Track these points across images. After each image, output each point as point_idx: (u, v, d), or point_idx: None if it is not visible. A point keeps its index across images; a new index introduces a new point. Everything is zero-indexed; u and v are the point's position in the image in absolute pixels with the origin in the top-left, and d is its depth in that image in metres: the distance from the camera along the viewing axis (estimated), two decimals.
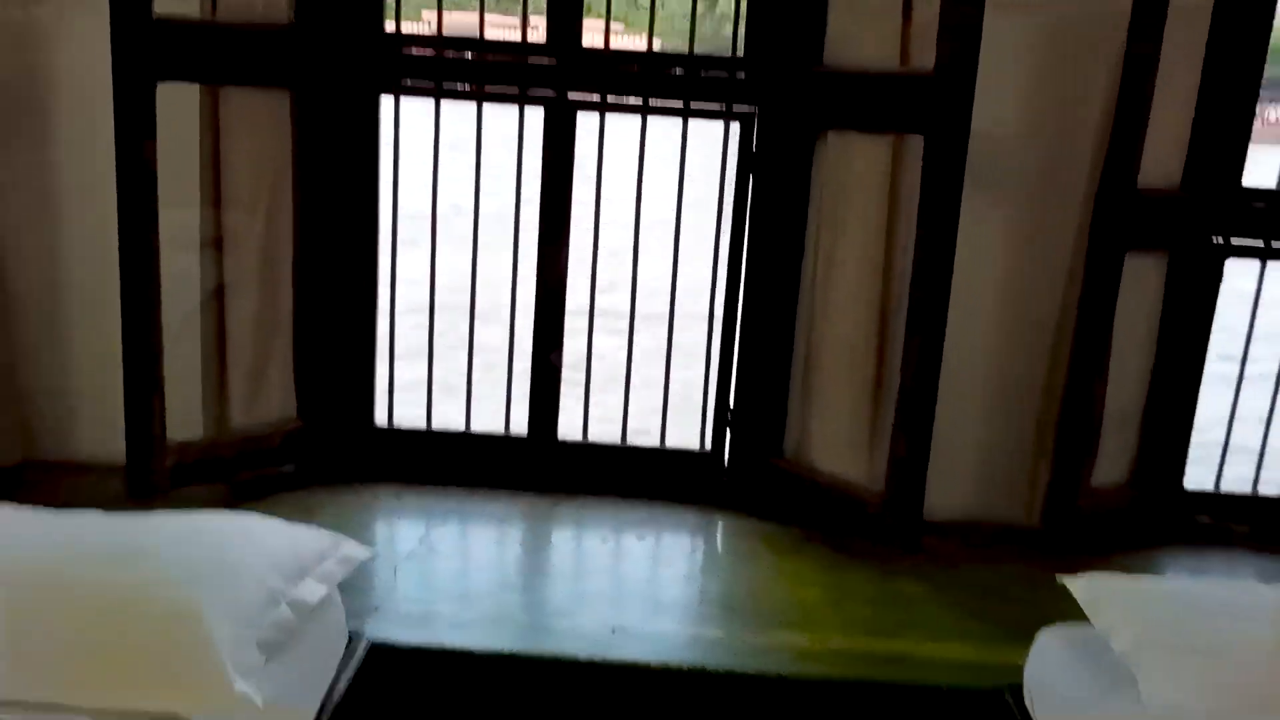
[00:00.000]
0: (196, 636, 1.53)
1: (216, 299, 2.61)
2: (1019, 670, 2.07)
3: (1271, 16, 2.56)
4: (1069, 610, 1.97)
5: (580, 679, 2.14)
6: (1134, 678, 1.76)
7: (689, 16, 2.77)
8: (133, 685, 1.50)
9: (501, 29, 2.95)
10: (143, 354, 2.41)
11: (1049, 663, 2.00)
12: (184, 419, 2.59)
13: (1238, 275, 2.77)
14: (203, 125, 2.46)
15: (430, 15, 2.92)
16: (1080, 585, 2.01)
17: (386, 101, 2.71)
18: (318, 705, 1.82)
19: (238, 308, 2.61)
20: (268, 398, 2.70)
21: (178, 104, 2.42)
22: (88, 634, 1.51)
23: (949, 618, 2.38)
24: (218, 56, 2.45)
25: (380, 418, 2.93)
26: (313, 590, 1.81)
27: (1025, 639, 2.04)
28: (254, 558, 1.75)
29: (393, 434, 2.93)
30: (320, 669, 1.86)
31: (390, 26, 2.69)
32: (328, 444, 2.82)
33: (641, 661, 2.15)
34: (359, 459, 2.87)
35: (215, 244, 2.56)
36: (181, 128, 2.44)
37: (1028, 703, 2.03)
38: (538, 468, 2.92)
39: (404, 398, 3.07)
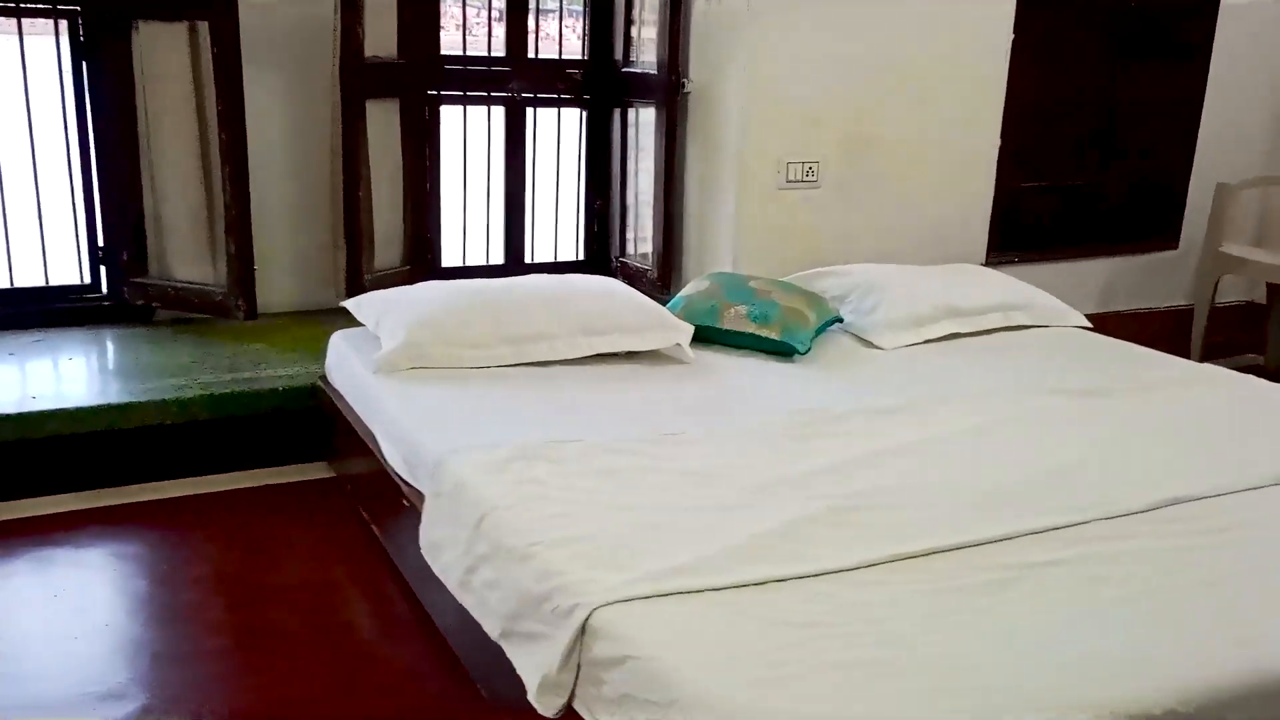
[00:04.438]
0: None
1: None
2: None
3: None
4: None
5: (10, 428, 2.94)
6: (378, 338, 3.03)
7: None
8: None
9: None
10: None
11: (337, 350, 3.20)
12: None
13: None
14: None
15: None
16: (351, 301, 3.25)
17: None
18: None
19: None
20: None
21: None
22: None
23: (284, 355, 3.48)
24: None
25: None
26: None
27: None
28: None
29: None
30: None
31: None
32: None
33: (56, 408, 3.01)
34: None
35: None
36: None
37: (330, 379, 3.24)
38: None
39: None
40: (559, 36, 4.30)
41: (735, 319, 3.28)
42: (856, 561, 1.92)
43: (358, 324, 3.20)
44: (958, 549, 2.01)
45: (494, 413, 2.65)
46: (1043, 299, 3.76)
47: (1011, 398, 2.93)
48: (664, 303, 3.43)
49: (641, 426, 2.59)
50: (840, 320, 3.52)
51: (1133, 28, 4.57)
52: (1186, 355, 4.95)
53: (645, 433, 2.54)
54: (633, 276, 4.35)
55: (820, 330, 3.37)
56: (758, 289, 3.38)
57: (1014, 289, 3.76)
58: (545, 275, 3.37)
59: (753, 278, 3.48)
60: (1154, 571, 1.95)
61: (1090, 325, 3.77)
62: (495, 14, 4.20)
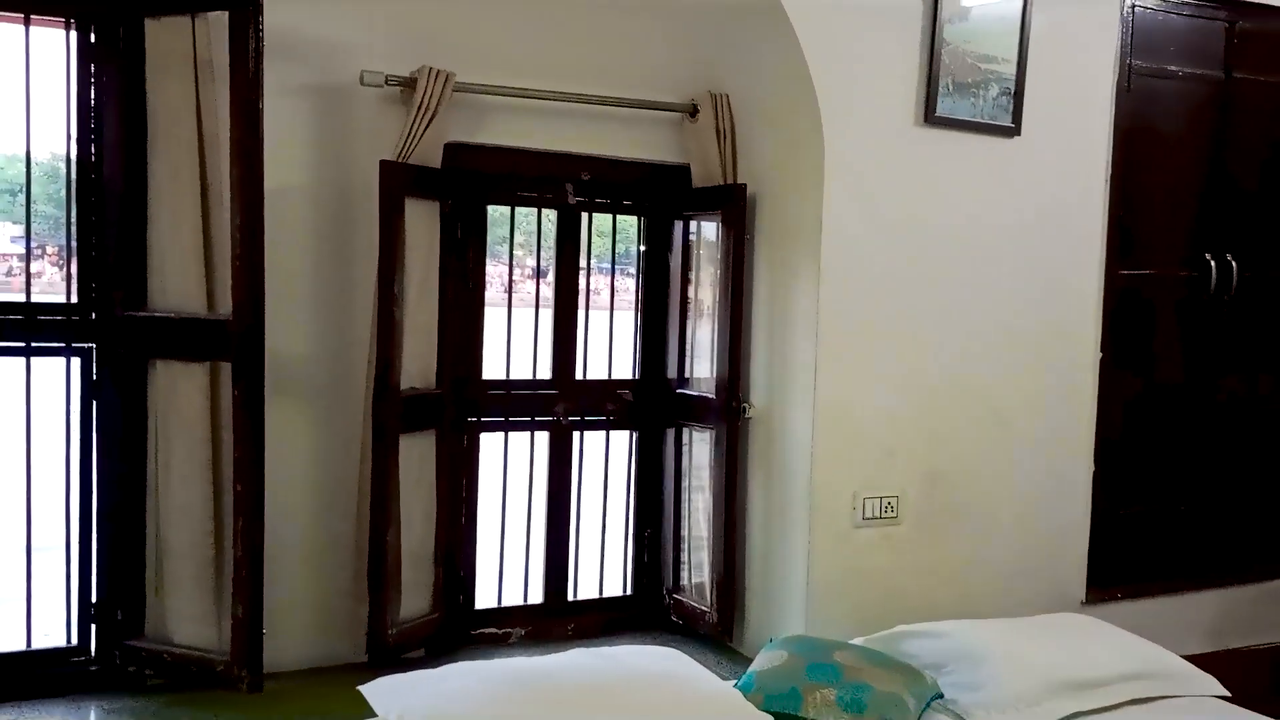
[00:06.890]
0: None
1: None
2: None
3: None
4: None
5: None
6: None
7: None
8: None
9: None
10: None
11: None
12: None
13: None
14: None
15: None
16: (368, 687, 2.77)
17: None
18: None
19: None
20: None
21: None
22: None
23: None
24: None
25: None
26: None
27: None
28: None
29: None
30: None
31: None
32: None
33: None
34: None
35: None
36: None
37: None
38: None
39: None
40: (609, 351, 4.00)
41: (822, 706, 2.78)
42: None
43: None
44: None
45: None
46: (1173, 663, 3.23)
47: None
48: (728, 654, 2.96)
49: None
50: (940, 696, 3.00)
51: (1228, 330, 4.24)
52: None
53: None
54: (689, 616, 3.87)
55: (921, 714, 2.85)
56: (844, 665, 2.89)
57: (1137, 652, 3.24)
58: (594, 654, 2.90)
59: (836, 646, 3.00)
60: None
61: (1229, 694, 3.22)
62: (542, 269, 3.96)
